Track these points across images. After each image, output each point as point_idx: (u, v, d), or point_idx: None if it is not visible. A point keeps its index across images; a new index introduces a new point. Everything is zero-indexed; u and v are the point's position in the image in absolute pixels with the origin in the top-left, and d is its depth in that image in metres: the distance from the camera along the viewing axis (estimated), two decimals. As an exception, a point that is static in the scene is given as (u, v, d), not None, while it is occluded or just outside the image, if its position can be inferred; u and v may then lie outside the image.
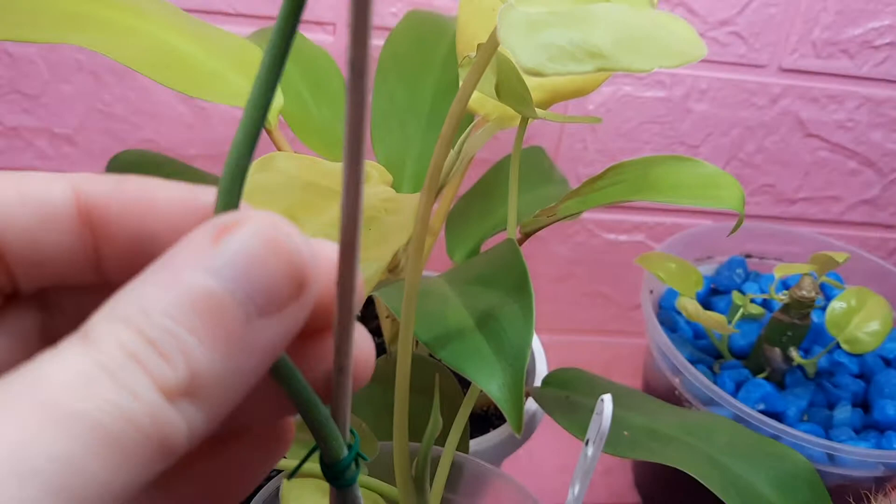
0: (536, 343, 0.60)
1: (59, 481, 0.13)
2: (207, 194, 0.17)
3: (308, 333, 0.18)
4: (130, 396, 0.14)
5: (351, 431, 0.20)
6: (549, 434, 0.57)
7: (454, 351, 0.32)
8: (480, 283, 0.35)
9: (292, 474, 0.21)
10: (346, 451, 0.20)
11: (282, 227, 0.15)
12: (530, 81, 0.42)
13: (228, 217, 0.15)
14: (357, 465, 0.21)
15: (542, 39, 0.27)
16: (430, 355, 0.50)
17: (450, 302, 0.34)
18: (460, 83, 0.46)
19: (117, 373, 0.14)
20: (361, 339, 0.18)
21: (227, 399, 0.15)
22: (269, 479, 0.52)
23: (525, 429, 0.53)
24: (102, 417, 0.13)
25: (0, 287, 0.17)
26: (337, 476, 0.20)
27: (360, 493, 0.21)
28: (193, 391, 0.14)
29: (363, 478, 0.39)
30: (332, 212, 0.36)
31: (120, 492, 0.14)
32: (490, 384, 0.31)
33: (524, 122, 0.42)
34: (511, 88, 0.38)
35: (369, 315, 0.62)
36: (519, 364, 0.31)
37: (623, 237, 0.78)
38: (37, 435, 0.13)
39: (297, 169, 0.35)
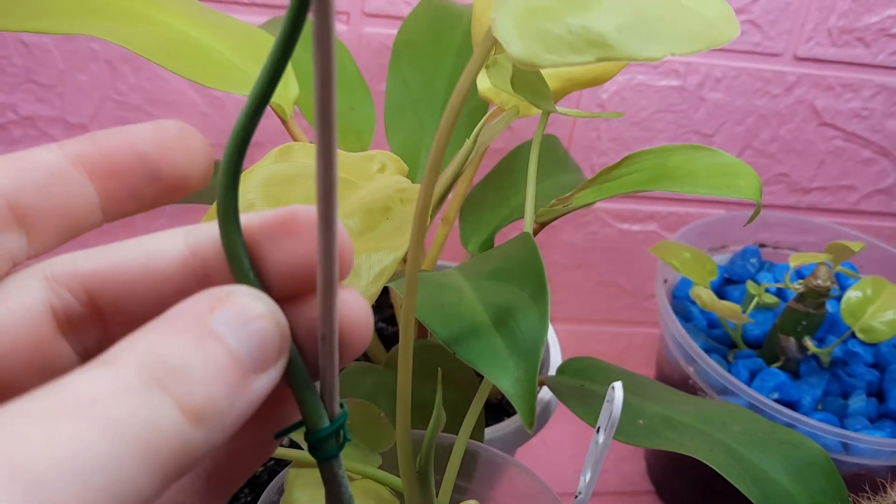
0: (551, 332, 0.60)
1: (110, 484, 0.15)
2: (171, 126, 0.21)
3: (301, 295, 0.20)
4: (159, 411, 0.16)
5: (341, 406, 0.21)
6: (563, 422, 0.57)
7: (468, 346, 0.32)
8: (496, 278, 0.35)
9: (278, 434, 0.21)
10: (326, 422, 0.20)
11: (263, 303, 0.18)
12: (545, 71, 0.42)
13: (221, 291, 0.18)
14: (341, 440, 0.21)
15: (537, 27, 0.24)
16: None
17: (465, 296, 0.34)
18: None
19: (145, 391, 0.16)
20: (354, 308, 0.20)
21: (222, 432, 0.17)
22: (276, 471, 0.52)
23: (540, 417, 0.53)
24: (140, 427, 0.15)
25: (14, 249, 0.19)
26: (315, 447, 0.21)
27: (344, 471, 0.21)
28: (203, 418, 0.16)
29: (371, 470, 0.39)
30: (350, 201, 0.36)
31: (148, 498, 0.15)
32: (503, 380, 0.30)
33: (546, 113, 0.41)
34: (527, 81, 0.37)
35: (384, 304, 0.62)
36: (532, 361, 0.31)
37: (636, 226, 0.78)
38: (87, 441, 0.15)
39: (313, 159, 0.35)
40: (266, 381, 0.18)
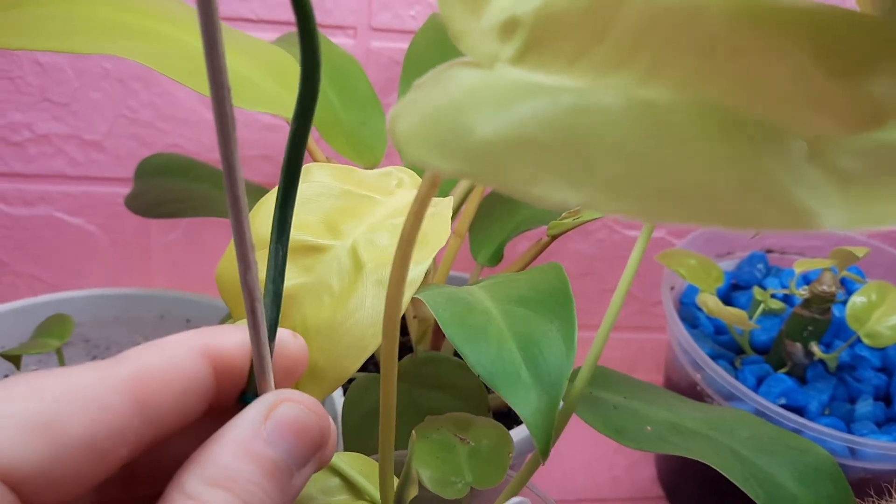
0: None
1: None
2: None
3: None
4: None
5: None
6: (574, 430, 0.58)
7: (493, 370, 0.32)
8: (525, 306, 0.35)
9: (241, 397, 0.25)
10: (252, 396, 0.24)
11: (307, 404, 0.23)
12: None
13: (271, 399, 0.23)
14: None
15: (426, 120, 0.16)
16: (455, 354, 0.51)
17: (493, 320, 0.35)
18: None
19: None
20: (289, 345, 0.25)
21: None
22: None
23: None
24: None
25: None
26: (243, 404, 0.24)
27: None
28: None
29: (353, 472, 0.39)
30: (372, 216, 0.37)
31: None
32: (524, 409, 0.31)
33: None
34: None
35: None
36: (555, 394, 0.31)
37: (643, 233, 0.78)
38: None
39: (332, 178, 0.36)
40: (311, 468, 0.23)
